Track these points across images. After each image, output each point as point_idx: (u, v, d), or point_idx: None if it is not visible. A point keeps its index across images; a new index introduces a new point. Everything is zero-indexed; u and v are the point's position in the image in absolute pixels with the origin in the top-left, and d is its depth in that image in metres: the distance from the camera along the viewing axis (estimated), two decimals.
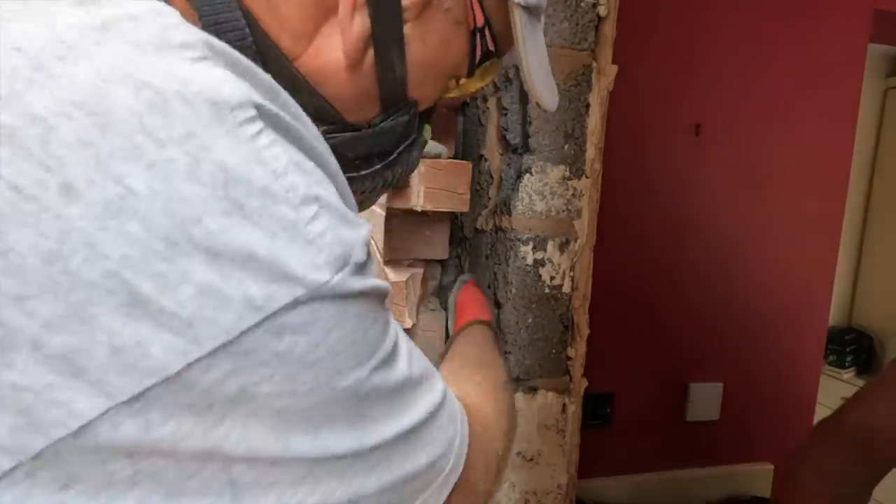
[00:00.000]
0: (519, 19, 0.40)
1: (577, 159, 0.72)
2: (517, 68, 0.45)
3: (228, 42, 0.31)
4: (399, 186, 0.77)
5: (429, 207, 0.75)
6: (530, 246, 0.72)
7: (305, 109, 0.36)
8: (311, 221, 0.24)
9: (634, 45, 1.24)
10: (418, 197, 0.74)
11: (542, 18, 0.44)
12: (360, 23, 0.35)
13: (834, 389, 2.29)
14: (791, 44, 1.37)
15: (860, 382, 2.24)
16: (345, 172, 0.39)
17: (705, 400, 1.44)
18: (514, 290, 0.72)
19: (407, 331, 0.82)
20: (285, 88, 0.34)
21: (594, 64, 0.71)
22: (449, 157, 0.80)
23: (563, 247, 0.73)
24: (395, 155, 0.42)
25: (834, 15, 1.38)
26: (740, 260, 1.43)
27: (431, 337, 0.84)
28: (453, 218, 0.89)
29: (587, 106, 0.71)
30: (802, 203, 1.44)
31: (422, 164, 0.74)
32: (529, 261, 0.72)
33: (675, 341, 1.42)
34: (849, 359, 2.29)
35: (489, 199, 0.79)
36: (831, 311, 1.60)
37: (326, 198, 0.25)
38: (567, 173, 0.72)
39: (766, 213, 1.42)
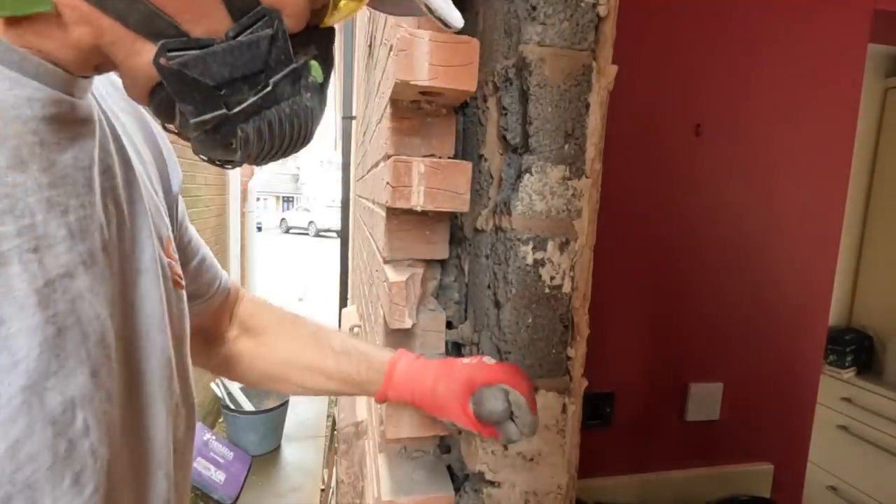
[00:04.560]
0: None
1: (577, 159, 0.72)
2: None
3: None
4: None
5: (429, 207, 0.75)
6: (530, 246, 0.72)
7: (134, 21, 0.32)
8: None
9: (635, 45, 1.24)
10: (418, 197, 0.74)
11: None
12: None
13: (834, 389, 2.29)
14: (791, 44, 1.37)
15: (860, 382, 2.24)
16: (214, 110, 0.35)
17: (705, 400, 1.44)
18: (514, 290, 0.72)
19: (407, 331, 0.82)
20: None
21: (594, 64, 0.71)
22: (450, 158, 0.80)
23: (563, 247, 0.73)
24: (270, 86, 0.36)
25: (834, 15, 1.39)
26: (740, 260, 1.43)
27: (431, 337, 0.84)
28: (453, 218, 0.89)
29: (587, 106, 0.71)
30: (802, 203, 1.44)
31: (421, 163, 0.74)
32: (529, 261, 0.72)
33: (675, 341, 1.42)
34: (849, 359, 2.29)
35: (489, 199, 0.79)
36: (831, 311, 1.60)
37: None
38: (567, 173, 0.72)
39: (766, 213, 1.42)
